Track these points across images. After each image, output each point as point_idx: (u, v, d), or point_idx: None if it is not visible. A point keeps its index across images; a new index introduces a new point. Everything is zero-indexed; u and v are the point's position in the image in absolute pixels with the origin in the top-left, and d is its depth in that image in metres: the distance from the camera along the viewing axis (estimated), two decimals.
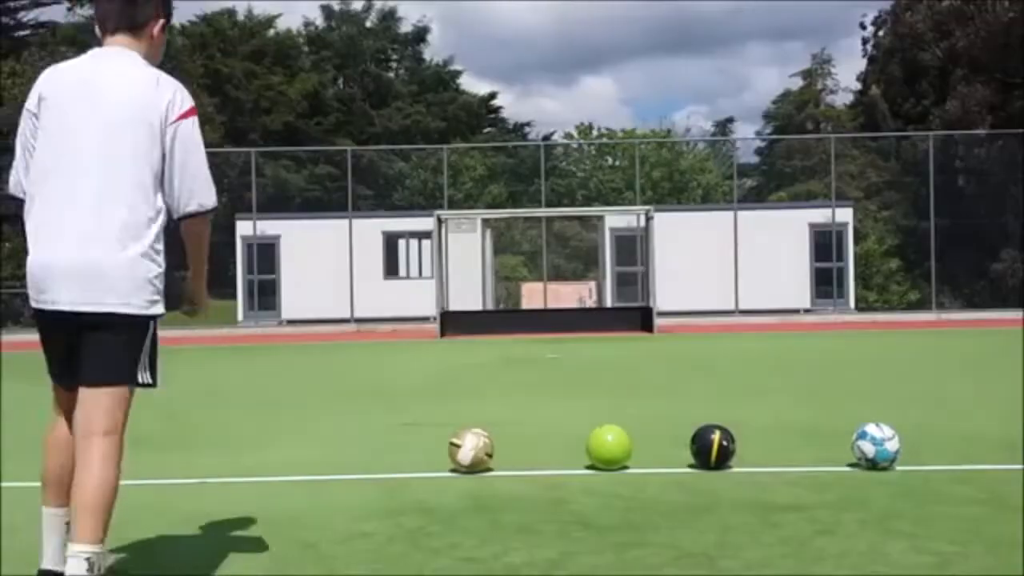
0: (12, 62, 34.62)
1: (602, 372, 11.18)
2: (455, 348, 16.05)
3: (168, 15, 3.09)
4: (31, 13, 43.70)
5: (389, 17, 52.14)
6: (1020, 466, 4.71)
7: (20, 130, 2.98)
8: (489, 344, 16.74)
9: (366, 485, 4.73)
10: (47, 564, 2.95)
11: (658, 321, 20.04)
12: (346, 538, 3.64)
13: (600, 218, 28.75)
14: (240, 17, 47.60)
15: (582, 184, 46.09)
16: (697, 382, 9.74)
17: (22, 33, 43.13)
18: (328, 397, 9.11)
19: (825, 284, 26.74)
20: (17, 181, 2.99)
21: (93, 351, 2.84)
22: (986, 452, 5.21)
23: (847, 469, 4.73)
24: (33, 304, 2.91)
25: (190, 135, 2.93)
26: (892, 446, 4.65)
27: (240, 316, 27.40)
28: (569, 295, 28.88)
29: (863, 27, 44.34)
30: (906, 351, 13.96)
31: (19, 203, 2.97)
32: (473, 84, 63.71)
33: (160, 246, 2.93)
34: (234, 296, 28.40)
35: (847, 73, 60.93)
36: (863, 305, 29.81)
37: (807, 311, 25.95)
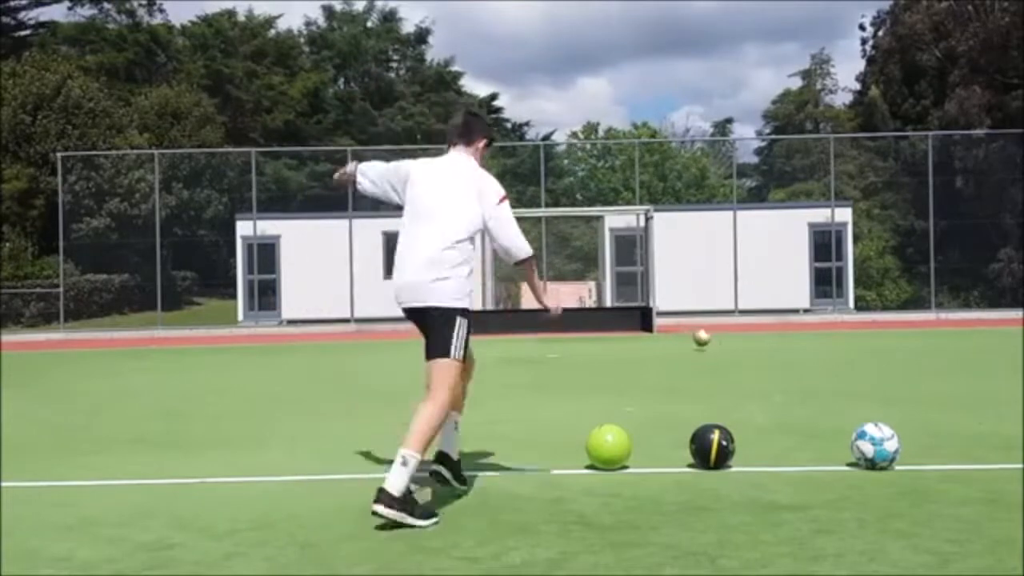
0: (12, 62, 34.57)
1: (602, 372, 11.18)
2: None
3: (491, 139, 4.64)
4: (31, 13, 43.76)
5: (391, 18, 52.16)
6: (1019, 465, 4.72)
7: None
8: (489, 344, 16.74)
9: (366, 485, 4.72)
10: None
11: (658, 321, 20.04)
12: (346, 538, 3.65)
13: (600, 218, 28.75)
14: (241, 17, 47.63)
15: (582, 184, 46.06)
16: (697, 382, 9.74)
17: (22, 33, 43.16)
18: (328, 397, 9.11)
19: (824, 284, 26.75)
20: None
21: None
22: (985, 451, 5.21)
23: (846, 469, 4.73)
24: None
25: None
26: (891, 446, 4.66)
27: (240, 316, 27.40)
28: (569, 295, 28.90)
29: (862, 28, 44.47)
30: (905, 351, 13.96)
31: None
32: (470, 84, 63.65)
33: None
34: (234, 296, 28.43)
35: (846, 73, 61.07)
36: (862, 305, 29.82)
37: (806, 311, 25.96)
